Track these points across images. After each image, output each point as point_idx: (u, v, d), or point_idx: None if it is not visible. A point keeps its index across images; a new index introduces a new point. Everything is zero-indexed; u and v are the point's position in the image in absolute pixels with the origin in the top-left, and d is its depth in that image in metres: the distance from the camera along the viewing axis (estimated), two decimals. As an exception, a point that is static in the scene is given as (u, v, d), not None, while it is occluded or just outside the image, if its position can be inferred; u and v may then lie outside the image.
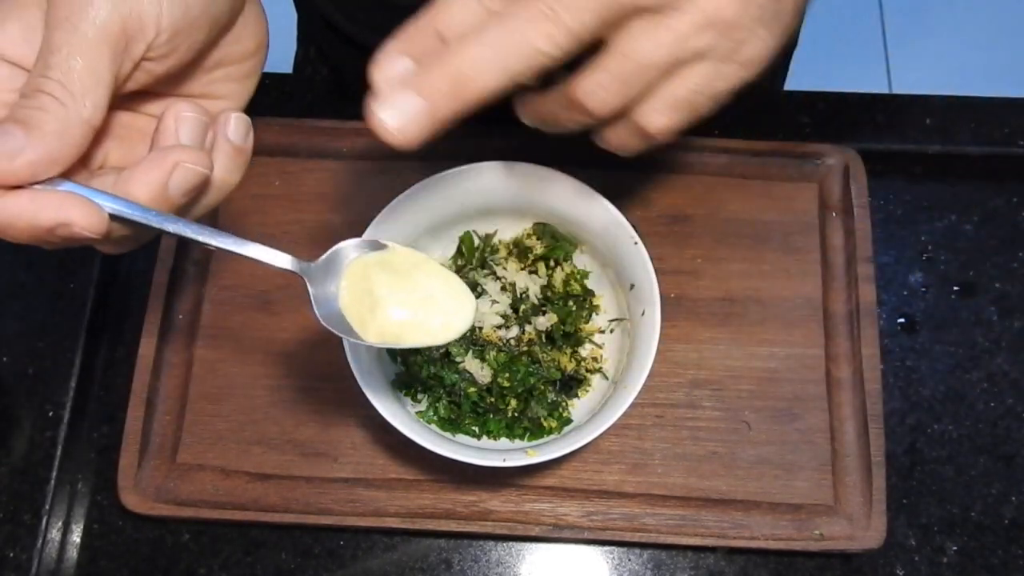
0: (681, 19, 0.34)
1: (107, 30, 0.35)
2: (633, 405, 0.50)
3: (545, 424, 0.56)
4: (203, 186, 0.39)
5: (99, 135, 0.38)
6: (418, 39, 0.36)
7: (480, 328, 0.57)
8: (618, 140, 0.39)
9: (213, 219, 0.63)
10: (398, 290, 0.43)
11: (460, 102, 0.35)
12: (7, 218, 0.35)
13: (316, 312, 0.41)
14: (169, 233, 0.38)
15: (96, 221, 0.35)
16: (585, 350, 0.59)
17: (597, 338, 0.59)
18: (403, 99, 0.35)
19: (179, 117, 0.39)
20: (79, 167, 0.38)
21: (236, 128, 0.40)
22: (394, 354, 0.59)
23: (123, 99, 0.40)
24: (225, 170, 0.40)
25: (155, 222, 0.37)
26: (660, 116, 0.37)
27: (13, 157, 0.34)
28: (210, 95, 0.42)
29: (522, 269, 0.59)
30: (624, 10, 0.34)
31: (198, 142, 0.39)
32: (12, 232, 0.35)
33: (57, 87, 0.35)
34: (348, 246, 0.43)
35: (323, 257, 0.42)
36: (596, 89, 0.36)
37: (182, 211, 0.39)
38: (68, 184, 0.36)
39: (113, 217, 0.36)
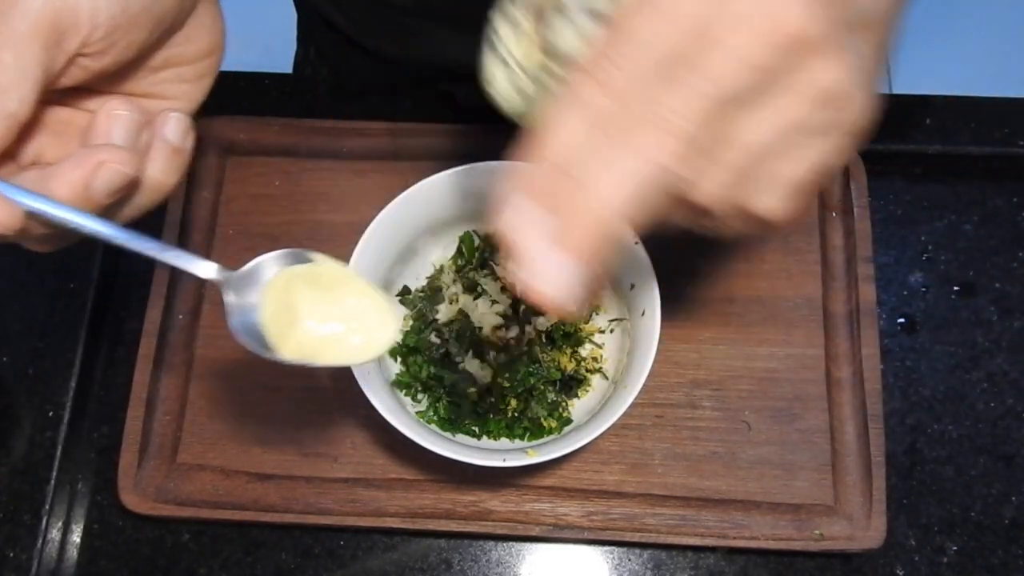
0: (791, 99, 0.31)
1: (38, 23, 0.34)
2: (633, 405, 0.50)
3: (545, 424, 0.56)
4: (130, 187, 0.38)
5: (32, 130, 0.37)
6: (539, 179, 0.31)
7: (480, 328, 0.57)
8: (728, 229, 0.35)
9: (212, 219, 0.63)
10: (320, 304, 0.42)
11: (607, 243, 0.31)
12: None
13: (229, 323, 0.40)
14: (88, 234, 0.36)
15: (7, 216, 0.34)
16: (585, 350, 0.59)
17: (597, 338, 0.59)
18: (555, 264, 0.30)
19: (111, 115, 0.38)
20: (7, 161, 0.37)
21: (175, 128, 0.39)
22: (394, 354, 0.59)
23: (61, 94, 0.39)
24: (161, 171, 0.39)
25: (74, 222, 0.36)
26: (773, 200, 0.33)
27: None
28: (158, 95, 0.41)
29: (522, 269, 0.59)
30: (732, 98, 0.30)
31: (130, 141, 0.38)
32: None
33: None
34: (272, 258, 0.42)
35: (246, 267, 0.41)
36: (712, 187, 0.32)
37: (111, 211, 0.38)
38: None
39: (33, 215, 0.35)
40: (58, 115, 0.40)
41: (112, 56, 0.37)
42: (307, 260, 0.42)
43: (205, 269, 0.40)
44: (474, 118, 0.69)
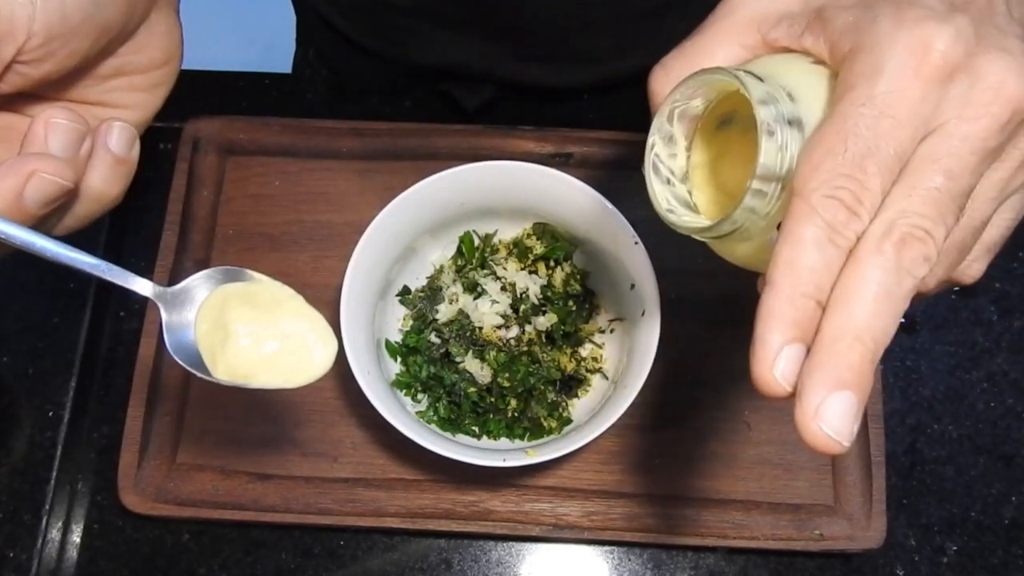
0: (1007, 168, 0.30)
1: None
2: (633, 405, 0.50)
3: (545, 424, 0.56)
4: (64, 197, 0.37)
5: None
6: (790, 312, 0.30)
7: (480, 328, 0.57)
8: (927, 292, 0.34)
9: (212, 219, 0.63)
10: (254, 324, 0.41)
11: (873, 365, 0.29)
12: None
13: (166, 341, 0.40)
14: (20, 246, 0.35)
15: None
16: (585, 350, 0.59)
17: (597, 338, 0.59)
18: (838, 404, 0.30)
19: (49, 123, 0.36)
20: None
21: (119, 138, 0.38)
22: (394, 354, 0.59)
23: (5, 100, 0.38)
24: (102, 180, 0.38)
25: (5, 232, 0.34)
26: (980, 265, 0.34)
27: None
28: (109, 103, 0.40)
29: (522, 269, 0.59)
30: (970, 187, 0.29)
31: (68, 151, 0.37)
32: None
33: None
34: (206, 275, 0.41)
35: (180, 285, 0.41)
36: (941, 273, 0.31)
37: (48, 222, 0.37)
38: None
39: None
40: (2, 120, 0.39)
41: (52, 64, 0.36)
42: (246, 279, 0.41)
43: (141, 286, 0.39)
44: (474, 118, 0.69)
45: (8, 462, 0.58)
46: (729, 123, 0.36)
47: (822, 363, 0.29)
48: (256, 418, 0.59)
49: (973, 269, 0.34)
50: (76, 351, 0.60)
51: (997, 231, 0.33)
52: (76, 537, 0.58)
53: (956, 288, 0.64)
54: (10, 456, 0.58)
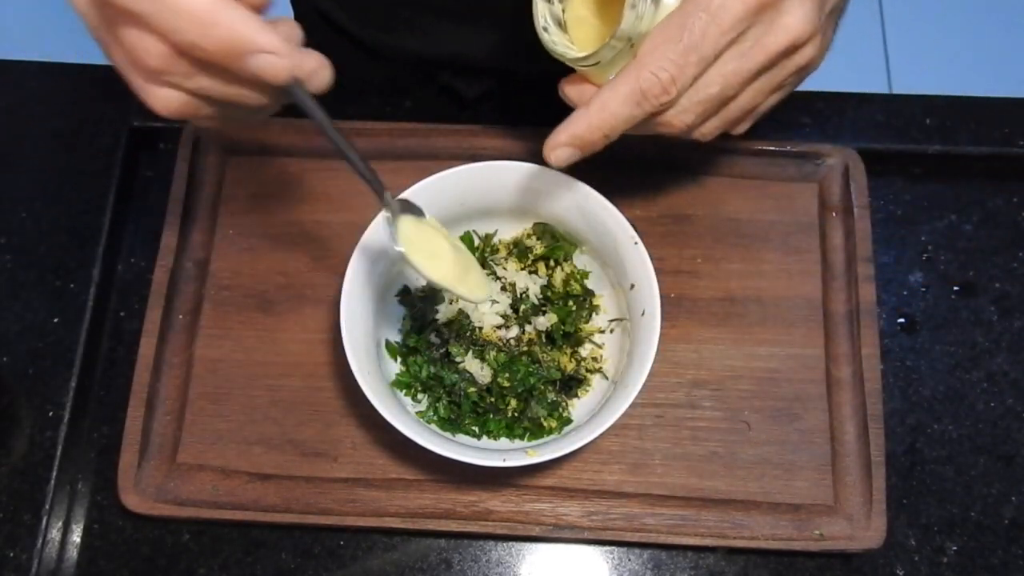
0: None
1: None
2: (633, 405, 0.50)
3: (545, 424, 0.56)
4: None
5: None
6: (584, 134, 0.46)
7: (480, 328, 0.57)
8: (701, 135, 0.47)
9: (212, 219, 0.63)
10: (451, 249, 0.51)
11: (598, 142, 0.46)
12: (230, 18, 0.35)
13: (396, 241, 0.49)
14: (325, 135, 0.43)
15: (280, 66, 0.37)
16: (585, 350, 0.59)
17: (597, 338, 0.59)
18: (567, 152, 0.47)
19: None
20: None
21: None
22: (394, 354, 0.59)
23: None
24: None
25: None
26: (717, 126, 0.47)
27: None
28: None
29: (522, 269, 0.59)
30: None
31: None
32: (211, 32, 0.35)
33: None
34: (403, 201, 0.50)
35: (403, 195, 0.51)
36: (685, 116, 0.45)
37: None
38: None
39: (288, 93, 0.39)
40: None
41: None
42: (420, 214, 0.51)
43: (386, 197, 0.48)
44: (478, 110, 0.69)
45: (8, 462, 0.58)
46: None
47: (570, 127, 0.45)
48: (256, 418, 0.59)
49: (738, 128, 0.48)
50: (76, 351, 0.60)
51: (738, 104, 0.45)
52: (76, 537, 0.58)
53: (956, 288, 0.64)
54: (10, 456, 0.58)
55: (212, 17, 0.35)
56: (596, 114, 0.44)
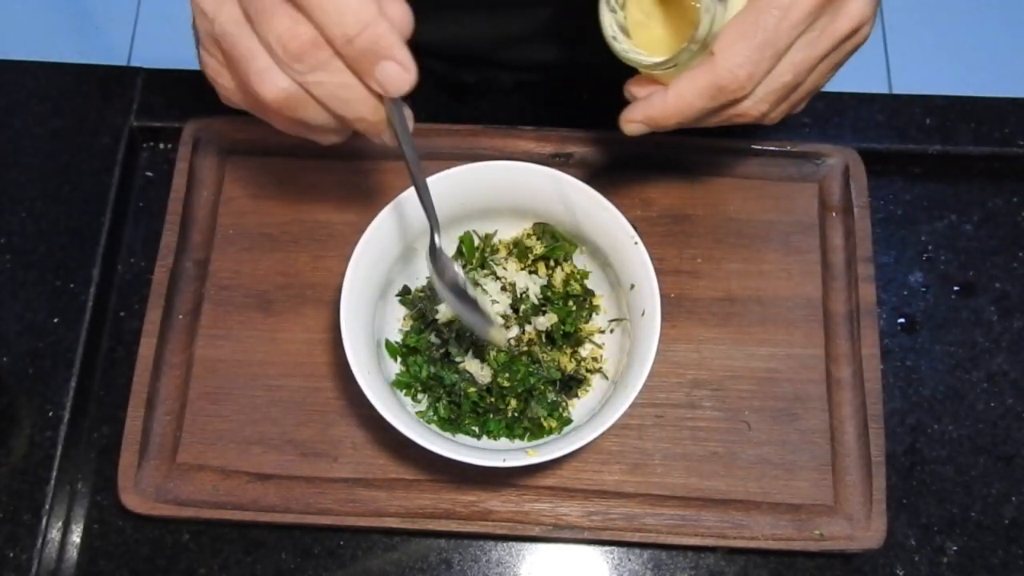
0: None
1: None
2: (633, 405, 0.50)
3: (545, 424, 0.56)
4: None
5: None
6: (659, 119, 0.48)
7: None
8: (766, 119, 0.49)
9: (212, 219, 0.63)
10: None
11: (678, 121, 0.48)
12: (382, 24, 0.39)
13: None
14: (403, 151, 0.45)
15: (406, 80, 0.40)
16: (585, 350, 0.59)
17: (597, 338, 0.59)
18: (640, 127, 0.49)
19: None
20: None
21: None
22: (394, 354, 0.59)
23: None
24: None
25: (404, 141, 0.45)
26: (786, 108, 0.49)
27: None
28: None
29: (522, 269, 0.59)
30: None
31: None
32: (366, 31, 0.39)
33: None
34: None
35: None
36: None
37: None
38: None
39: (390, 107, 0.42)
40: None
41: None
42: None
43: None
44: (485, 100, 0.68)
45: (8, 462, 0.58)
46: None
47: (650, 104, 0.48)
48: (256, 418, 0.59)
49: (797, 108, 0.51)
50: (76, 351, 0.60)
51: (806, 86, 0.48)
52: (76, 537, 0.58)
53: (956, 288, 0.64)
54: (10, 456, 0.58)
55: (369, 17, 0.39)
56: (673, 103, 0.46)
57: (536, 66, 0.71)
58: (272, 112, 0.43)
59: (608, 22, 0.49)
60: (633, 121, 0.48)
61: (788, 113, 0.50)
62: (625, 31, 0.50)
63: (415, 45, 0.42)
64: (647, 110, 0.48)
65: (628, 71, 0.50)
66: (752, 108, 0.47)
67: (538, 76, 0.71)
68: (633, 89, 0.49)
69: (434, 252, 0.51)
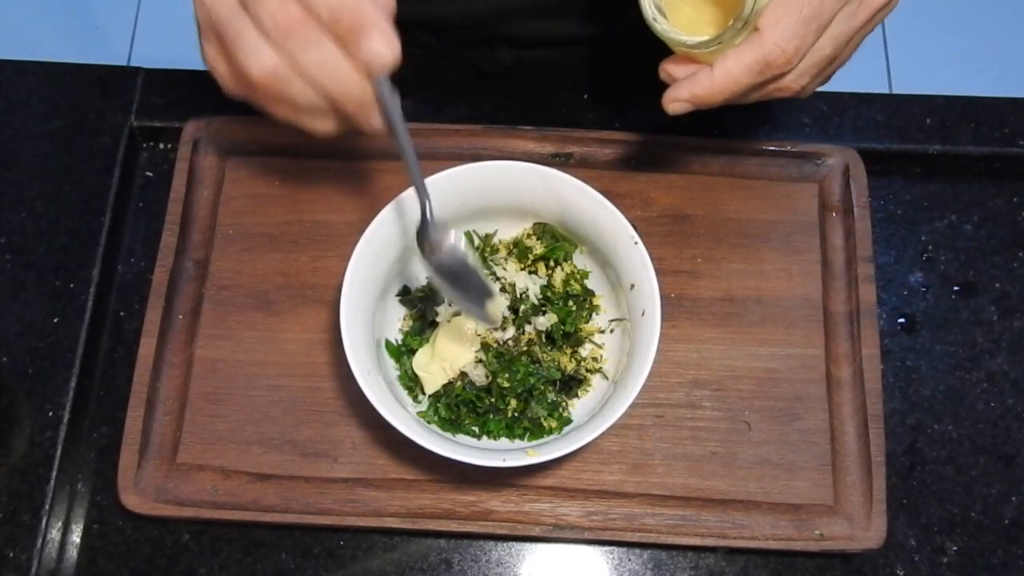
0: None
1: None
2: (633, 405, 0.50)
3: (545, 424, 0.56)
4: None
5: None
6: (703, 96, 0.49)
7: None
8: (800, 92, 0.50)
9: (212, 219, 0.63)
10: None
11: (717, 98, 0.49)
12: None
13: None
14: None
15: (390, 54, 0.41)
16: (585, 350, 0.59)
17: (597, 338, 0.59)
18: (683, 106, 0.50)
19: None
20: None
21: None
22: (394, 354, 0.59)
23: None
24: None
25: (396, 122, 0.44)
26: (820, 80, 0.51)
27: None
28: None
29: (522, 269, 0.59)
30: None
31: None
32: (353, 5, 0.40)
33: None
34: None
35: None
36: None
37: None
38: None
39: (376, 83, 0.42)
40: None
41: None
42: None
43: None
44: (485, 79, 0.68)
45: (8, 462, 0.58)
46: None
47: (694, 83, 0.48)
48: (256, 418, 0.59)
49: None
50: (76, 351, 0.60)
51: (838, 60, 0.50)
52: (76, 537, 0.58)
53: (956, 288, 0.64)
54: (10, 456, 0.58)
55: None
56: (720, 79, 0.47)
57: (536, 42, 0.70)
58: (261, 92, 0.44)
59: (647, 3, 0.50)
60: (679, 100, 0.49)
61: (820, 86, 0.51)
62: (662, 12, 0.50)
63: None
64: (693, 88, 0.48)
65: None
66: (793, 82, 0.48)
67: (537, 53, 0.71)
68: (671, 69, 0.50)
69: (424, 228, 0.51)
